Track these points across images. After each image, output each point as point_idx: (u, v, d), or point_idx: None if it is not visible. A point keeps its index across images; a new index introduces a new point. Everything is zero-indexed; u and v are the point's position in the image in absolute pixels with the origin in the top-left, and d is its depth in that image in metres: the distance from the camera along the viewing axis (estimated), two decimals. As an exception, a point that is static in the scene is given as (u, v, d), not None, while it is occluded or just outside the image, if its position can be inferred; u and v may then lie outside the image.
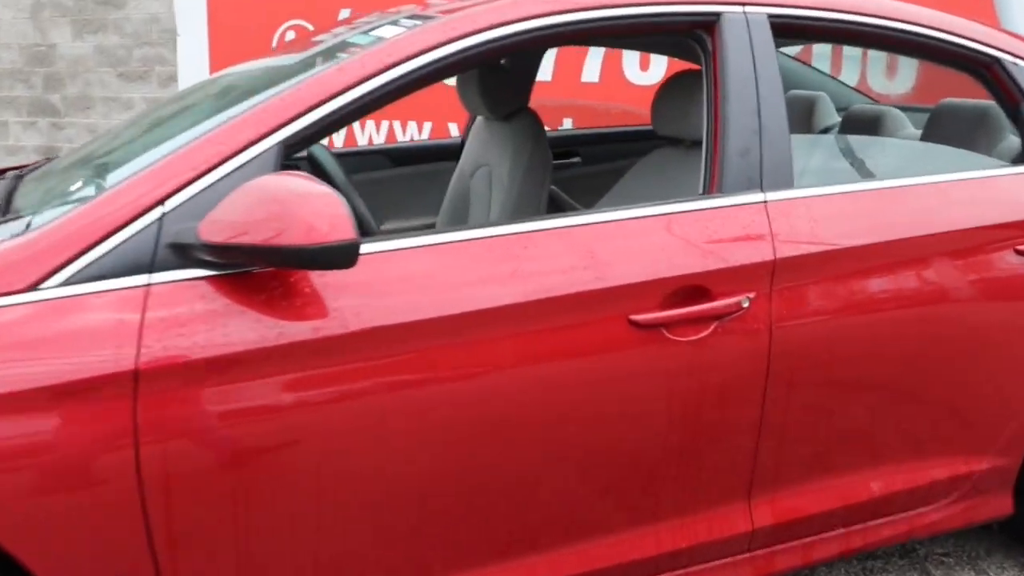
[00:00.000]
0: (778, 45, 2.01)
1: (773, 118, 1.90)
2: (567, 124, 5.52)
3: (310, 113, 1.61)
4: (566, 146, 3.53)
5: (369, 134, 5.72)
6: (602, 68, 5.31)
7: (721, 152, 1.86)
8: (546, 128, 4.77)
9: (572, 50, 5.39)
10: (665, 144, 2.40)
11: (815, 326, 1.87)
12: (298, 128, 1.60)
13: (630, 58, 4.90)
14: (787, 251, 1.83)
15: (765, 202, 1.85)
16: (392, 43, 1.71)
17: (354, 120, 1.72)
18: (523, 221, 1.70)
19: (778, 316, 1.82)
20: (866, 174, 2.47)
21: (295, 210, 1.41)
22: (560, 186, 3.43)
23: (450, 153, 3.18)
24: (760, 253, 1.80)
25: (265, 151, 1.57)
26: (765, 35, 1.95)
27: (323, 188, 1.44)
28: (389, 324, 1.56)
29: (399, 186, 3.29)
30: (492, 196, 2.90)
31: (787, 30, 2.03)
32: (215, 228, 1.45)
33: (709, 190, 1.87)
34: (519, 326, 1.63)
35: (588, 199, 2.64)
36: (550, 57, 5.49)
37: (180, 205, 1.51)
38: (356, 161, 3.26)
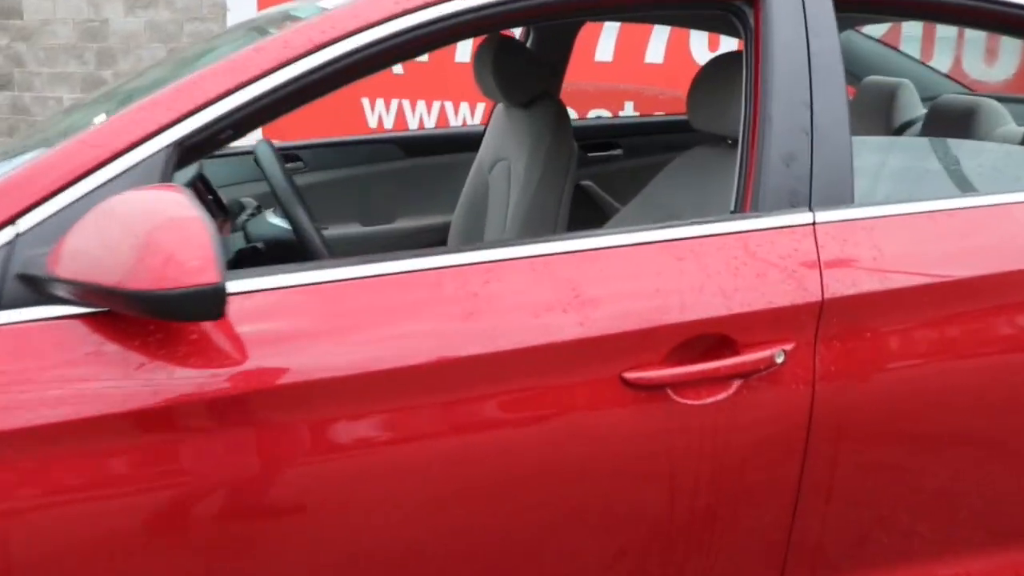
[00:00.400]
0: (848, 23, 1.57)
1: (830, 114, 1.47)
2: (628, 109, 5.11)
3: (214, 105, 1.26)
4: (606, 136, 3.12)
5: (420, 116, 5.40)
6: (667, 47, 4.89)
7: (759, 157, 1.45)
8: (597, 113, 4.38)
9: (635, 29, 4.98)
10: (705, 142, 1.99)
11: (873, 386, 1.45)
12: (198, 125, 1.25)
13: (698, 36, 4.45)
14: (840, 288, 1.41)
15: (814, 224, 1.43)
16: (330, 16, 1.34)
17: (282, 113, 1.37)
18: (486, 247, 1.32)
19: (824, 373, 1.40)
20: (953, 186, 2.01)
21: (144, 242, 1.06)
22: (599, 182, 3.03)
23: (471, 143, 2.81)
24: (803, 291, 1.39)
25: (151, 156, 1.23)
26: (824, 7, 1.52)
27: (189, 213, 1.09)
28: (297, 382, 1.20)
29: (412, 179, 2.93)
30: (511, 194, 2.52)
31: (855, 2, 1.60)
32: (62, 259, 1.11)
33: (742, 207, 1.46)
34: (469, 388, 1.25)
35: (629, 197, 2.26)
36: (611, 36, 5.08)
37: (38, 225, 1.18)
38: (364, 151, 2.92)
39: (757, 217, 1.42)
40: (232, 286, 1.23)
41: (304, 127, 5.37)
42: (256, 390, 1.19)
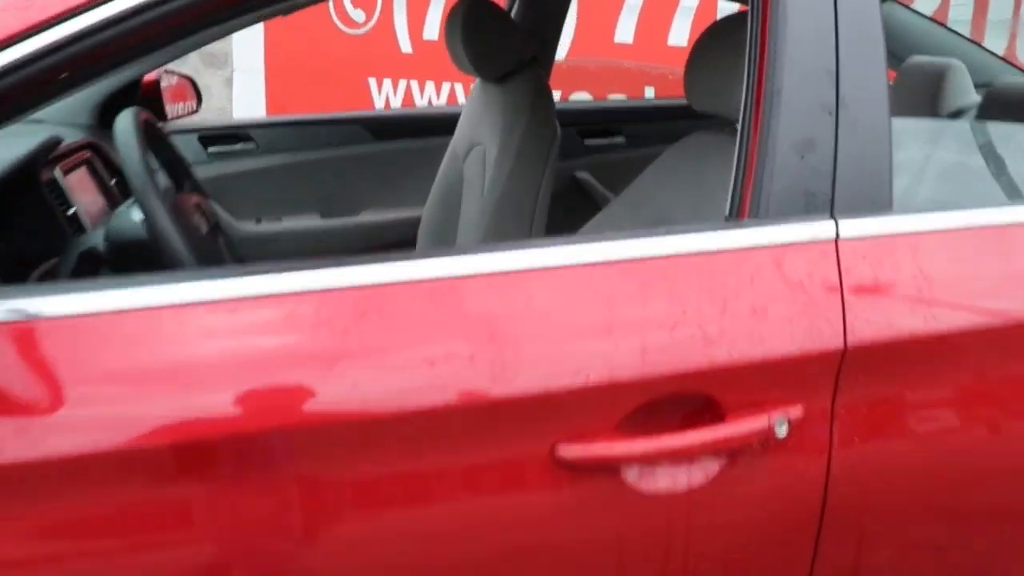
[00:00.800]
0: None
1: (863, 87, 1.08)
2: (649, 94, 4.74)
3: None
4: (607, 121, 2.73)
5: (429, 97, 5.05)
6: (692, 29, 4.51)
7: (763, 145, 1.06)
8: (616, 98, 3.96)
9: (658, 9, 4.61)
10: (706, 127, 1.60)
11: (911, 459, 1.06)
12: None
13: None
14: (870, 330, 1.01)
15: (836, 238, 1.04)
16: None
17: (113, 66, 0.99)
18: (367, 262, 0.93)
19: (843, 441, 1.01)
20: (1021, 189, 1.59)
21: None
22: (597, 173, 2.64)
23: (447, 126, 2.42)
24: (818, 334, 1.00)
25: None
26: None
27: None
28: (76, 454, 0.84)
29: (380, 166, 2.56)
30: (484, 185, 2.14)
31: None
32: None
33: (738, 213, 1.06)
34: (333, 467, 0.88)
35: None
36: (632, 16, 4.72)
37: None
38: (325, 132, 2.55)
39: (758, 226, 1.03)
40: (31, 304, 0.87)
41: (305, 106, 5.06)
42: (17, 466, 0.83)
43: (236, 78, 5.50)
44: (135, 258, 1.19)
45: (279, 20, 5.24)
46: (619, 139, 2.71)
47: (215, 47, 5.55)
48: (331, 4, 5.12)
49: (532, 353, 0.91)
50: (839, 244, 1.03)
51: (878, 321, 1.02)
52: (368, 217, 2.54)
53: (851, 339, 1.00)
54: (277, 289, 0.90)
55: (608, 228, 1.64)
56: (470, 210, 2.22)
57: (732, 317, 0.97)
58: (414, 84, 5.17)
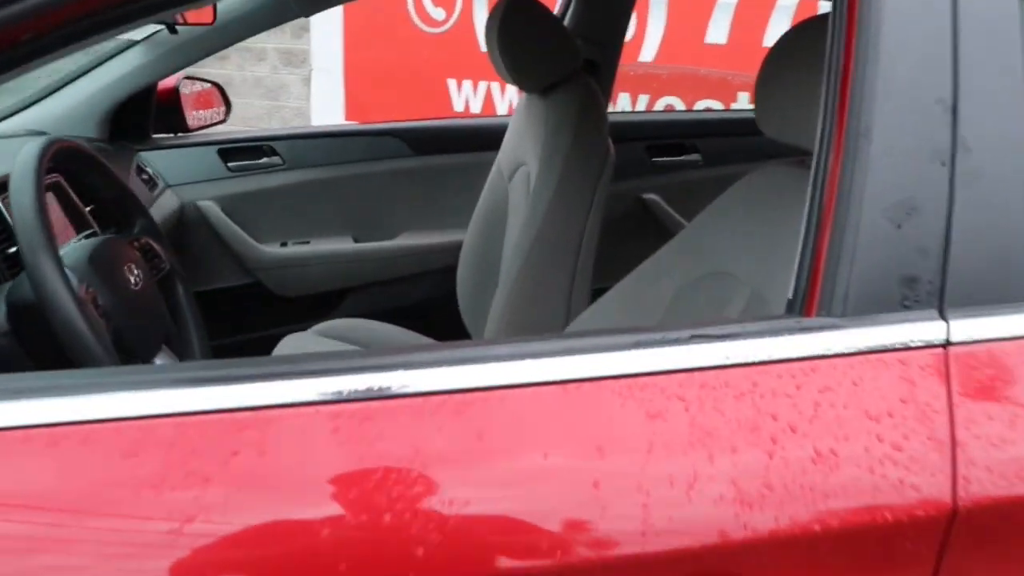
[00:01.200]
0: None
1: (991, 128, 0.75)
2: (743, 102, 4.39)
3: None
4: (680, 136, 2.40)
5: (510, 101, 4.83)
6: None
7: (843, 209, 0.74)
8: (707, 105, 3.61)
9: (753, 7, 4.26)
10: (783, 157, 1.28)
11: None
12: None
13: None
14: (993, 483, 0.69)
15: (946, 346, 0.72)
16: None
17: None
18: (249, 375, 0.66)
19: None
20: None
21: None
22: (669, 196, 2.33)
23: (495, 138, 2.14)
24: (915, 489, 0.68)
25: None
26: None
27: None
28: None
29: (420, 184, 2.30)
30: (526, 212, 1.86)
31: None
32: None
33: (804, 305, 0.75)
34: None
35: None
36: (726, 14, 4.39)
37: None
38: (360, 144, 2.30)
39: (830, 328, 0.72)
40: None
41: (383, 107, 4.88)
42: None
43: (314, 77, 5.41)
44: (33, 328, 0.94)
45: (359, 19, 5.09)
46: (694, 156, 2.39)
47: (294, 45, 5.42)
48: (411, 2, 4.95)
49: (477, 516, 0.62)
50: (950, 353, 0.71)
51: (1005, 469, 0.69)
52: (406, 241, 2.29)
53: (963, 495, 0.68)
54: (131, 411, 0.63)
55: (655, 279, 1.34)
56: (512, 238, 1.94)
57: (783, 465, 0.66)
58: (495, 86, 4.95)
